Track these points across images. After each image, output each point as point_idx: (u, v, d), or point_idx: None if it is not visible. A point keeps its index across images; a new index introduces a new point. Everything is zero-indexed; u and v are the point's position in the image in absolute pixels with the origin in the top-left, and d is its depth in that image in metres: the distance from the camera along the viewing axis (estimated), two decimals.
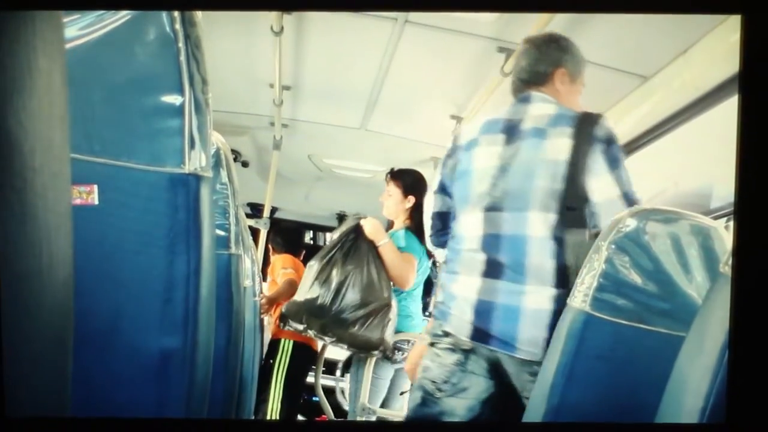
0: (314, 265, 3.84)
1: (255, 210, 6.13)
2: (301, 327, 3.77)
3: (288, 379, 4.37)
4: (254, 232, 4.75)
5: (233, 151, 4.98)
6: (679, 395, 1.33)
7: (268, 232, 5.10)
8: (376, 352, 3.83)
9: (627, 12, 2.71)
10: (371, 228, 3.87)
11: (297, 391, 4.52)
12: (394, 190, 4.06)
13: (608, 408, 1.86)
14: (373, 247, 3.86)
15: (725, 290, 1.24)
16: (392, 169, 4.15)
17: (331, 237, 4.10)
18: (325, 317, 3.74)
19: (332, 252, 3.85)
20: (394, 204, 4.07)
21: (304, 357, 4.46)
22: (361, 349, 3.83)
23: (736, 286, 1.22)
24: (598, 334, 1.85)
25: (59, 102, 0.73)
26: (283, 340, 4.34)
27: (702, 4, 1.33)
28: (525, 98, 2.30)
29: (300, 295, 3.82)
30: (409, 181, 4.09)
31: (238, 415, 2.67)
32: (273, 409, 4.27)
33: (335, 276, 3.78)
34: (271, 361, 4.37)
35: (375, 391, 4.03)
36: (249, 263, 2.80)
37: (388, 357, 3.88)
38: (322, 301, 3.74)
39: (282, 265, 4.70)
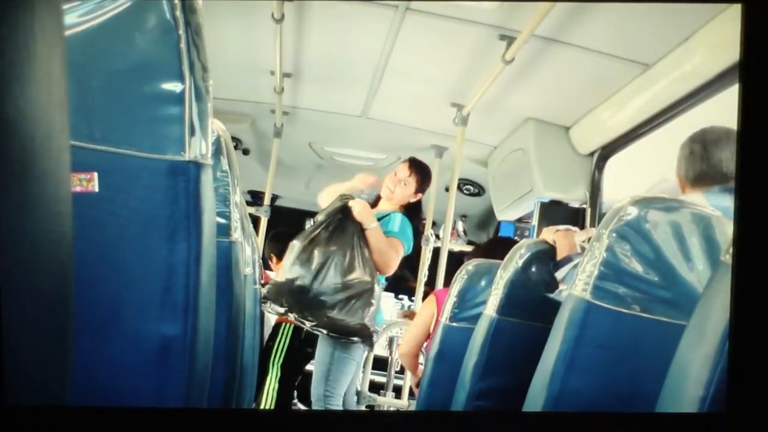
0: (296, 245, 3.72)
1: (255, 198, 6.13)
2: (282, 309, 3.67)
3: (285, 362, 4.35)
4: (255, 220, 4.74)
5: (234, 139, 4.97)
6: (680, 384, 1.32)
7: (267, 241, 5.06)
8: (356, 338, 3.69)
9: (627, 1, 2.71)
10: (361, 210, 3.77)
11: (294, 374, 4.53)
12: (411, 182, 3.97)
13: (609, 396, 1.86)
14: (360, 229, 3.75)
15: (726, 279, 1.24)
16: (413, 159, 4.07)
17: (316, 217, 3.91)
18: (304, 299, 3.61)
19: (316, 231, 3.72)
20: (405, 194, 3.98)
21: (303, 341, 4.39)
22: (341, 335, 3.67)
23: (737, 275, 1.21)
24: (598, 323, 1.85)
25: (58, 88, 0.73)
26: (284, 324, 4.34)
27: None
28: None
29: (281, 276, 3.72)
30: (426, 180, 4.04)
31: (238, 403, 2.67)
32: (269, 390, 4.28)
33: (316, 256, 3.65)
34: (271, 343, 4.38)
35: (346, 373, 3.88)
36: (249, 251, 2.80)
37: (369, 343, 3.75)
38: (302, 282, 3.62)
39: None
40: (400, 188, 3.97)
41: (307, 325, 3.65)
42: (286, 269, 3.68)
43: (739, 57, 1.23)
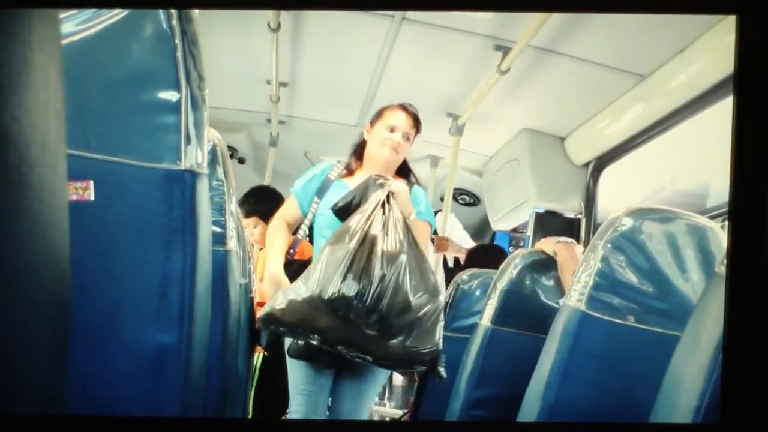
0: (342, 249, 2.55)
1: None
2: (315, 341, 2.56)
3: (257, 397, 3.65)
4: None
5: (229, 148, 4.98)
6: (674, 394, 1.33)
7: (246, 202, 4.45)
8: (424, 368, 2.61)
9: (622, 12, 2.72)
10: (406, 198, 2.75)
11: (267, 409, 4.27)
12: (413, 136, 2.92)
13: (603, 406, 1.86)
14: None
15: (720, 290, 1.24)
16: (408, 106, 2.93)
17: (338, 205, 2.76)
18: (364, 323, 2.49)
19: (366, 229, 2.58)
20: (403, 155, 2.94)
21: (276, 373, 3.92)
22: (413, 365, 2.59)
23: (730, 287, 1.22)
24: (593, 333, 1.85)
25: (55, 98, 0.73)
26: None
27: (696, 5, 1.34)
28: None
29: (323, 289, 2.48)
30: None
31: (233, 411, 2.66)
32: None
33: (378, 264, 2.52)
34: None
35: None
36: (245, 260, 2.80)
37: (438, 371, 2.60)
38: (366, 301, 2.47)
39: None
40: (406, 146, 2.92)
41: (348, 355, 2.59)
42: (332, 280, 2.49)
43: (734, 68, 1.24)
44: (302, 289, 2.55)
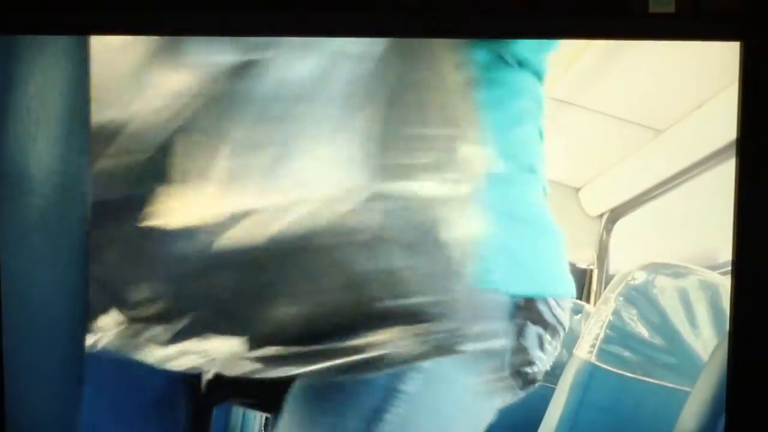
0: None
1: None
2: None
3: None
4: None
5: None
6: None
7: None
8: None
9: (623, 38, 2.72)
10: None
11: None
12: None
13: None
14: None
15: None
16: None
17: None
18: None
19: None
20: None
21: None
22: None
23: (734, 338, 1.21)
24: (603, 386, 1.84)
25: (81, 117, 0.74)
26: None
27: (699, 32, 1.34)
28: None
29: None
30: None
31: (243, 427, 2.65)
32: None
33: None
34: None
35: None
36: None
37: None
38: None
39: None
40: None
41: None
42: None
43: (738, 96, 1.24)
44: None
